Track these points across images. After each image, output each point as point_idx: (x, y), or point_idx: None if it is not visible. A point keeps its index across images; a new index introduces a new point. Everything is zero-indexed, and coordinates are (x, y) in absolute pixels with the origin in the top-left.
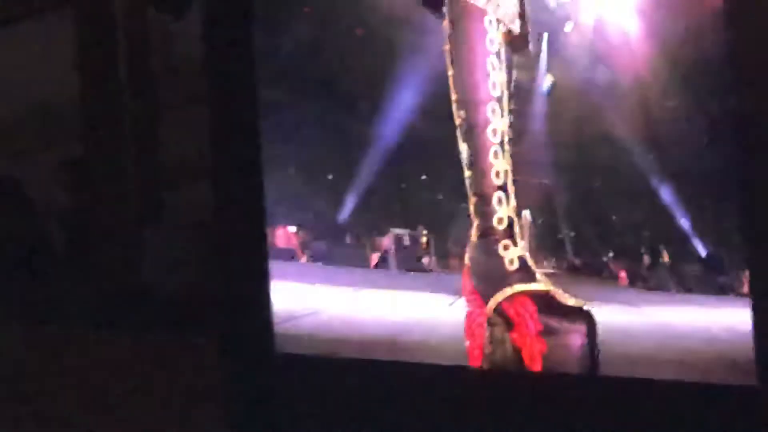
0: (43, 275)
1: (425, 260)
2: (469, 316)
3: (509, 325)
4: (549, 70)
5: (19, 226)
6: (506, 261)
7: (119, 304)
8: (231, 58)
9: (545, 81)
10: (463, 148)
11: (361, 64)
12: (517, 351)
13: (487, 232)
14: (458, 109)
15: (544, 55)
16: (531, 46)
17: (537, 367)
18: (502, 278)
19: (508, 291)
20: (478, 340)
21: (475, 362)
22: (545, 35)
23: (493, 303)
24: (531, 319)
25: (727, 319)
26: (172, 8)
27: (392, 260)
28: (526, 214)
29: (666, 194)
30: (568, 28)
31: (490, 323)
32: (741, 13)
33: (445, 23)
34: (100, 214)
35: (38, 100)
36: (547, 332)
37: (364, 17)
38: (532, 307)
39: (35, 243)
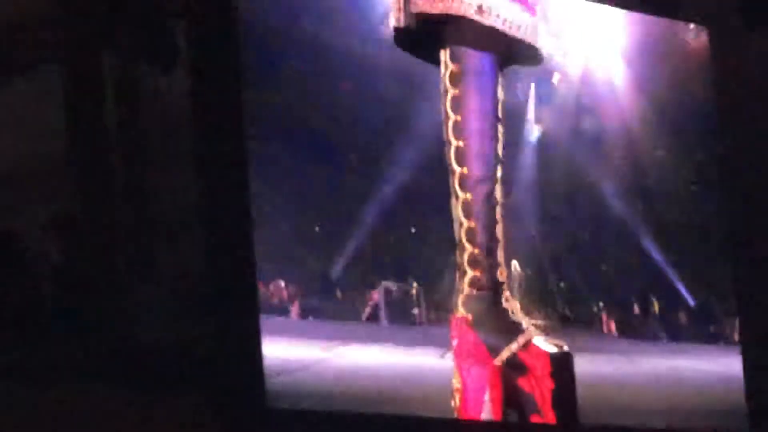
0: (32, 332)
1: (415, 312)
2: (469, 368)
3: (521, 371)
4: (537, 120)
5: (12, 282)
6: (510, 312)
7: (109, 360)
8: (219, 112)
9: (533, 131)
10: (462, 199)
11: (351, 117)
12: (530, 395)
13: (488, 285)
14: (458, 159)
15: (532, 106)
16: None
17: (548, 407)
18: (512, 329)
19: (521, 340)
20: (494, 392)
21: (496, 415)
22: (533, 86)
23: (507, 353)
24: (544, 362)
25: (718, 366)
26: (159, 63)
27: (383, 313)
28: (516, 264)
29: (655, 243)
30: (555, 79)
31: (503, 373)
32: (726, 61)
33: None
34: (89, 270)
35: (27, 155)
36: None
37: (353, 71)
38: (543, 352)
39: (26, 299)
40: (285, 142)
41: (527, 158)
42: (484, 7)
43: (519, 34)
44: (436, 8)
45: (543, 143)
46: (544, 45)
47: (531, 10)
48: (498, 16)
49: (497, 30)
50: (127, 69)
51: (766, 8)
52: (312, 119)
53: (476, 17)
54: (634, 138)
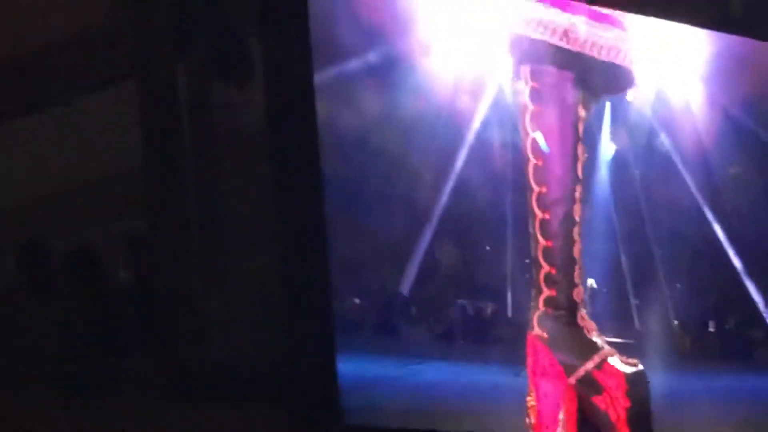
0: (109, 346)
1: (490, 331)
2: (544, 386)
3: (596, 390)
4: (611, 137)
5: (88, 296)
6: (585, 331)
7: (186, 377)
8: (294, 126)
9: (608, 149)
10: (539, 218)
11: (425, 133)
12: (605, 414)
13: (564, 304)
14: (537, 177)
15: (607, 124)
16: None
17: (623, 425)
18: (589, 348)
19: (597, 359)
20: (569, 411)
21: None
22: (608, 104)
23: (582, 372)
24: (619, 381)
25: None
26: (234, 78)
27: (458, 330)
28: (592, 282)
29: (731, 262)
30: (630, 96)
31: (578, 391)
32: None
33: (527, 83)
34: (164, 286)
35: (104, 169)
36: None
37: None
38: (618, 371)
39: (102, 314)
40: (360, 158)
41: (603, 176)
42: (571, 33)
43: (609, 58)
44: (521, 30)
45: (618, 161)
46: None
47: (620, 26)
48: (586, 41)
49: (582, 54)
50: (201, 83)
51: None
52: (386, 136)
53: (561, 44)
54: (709, 155)
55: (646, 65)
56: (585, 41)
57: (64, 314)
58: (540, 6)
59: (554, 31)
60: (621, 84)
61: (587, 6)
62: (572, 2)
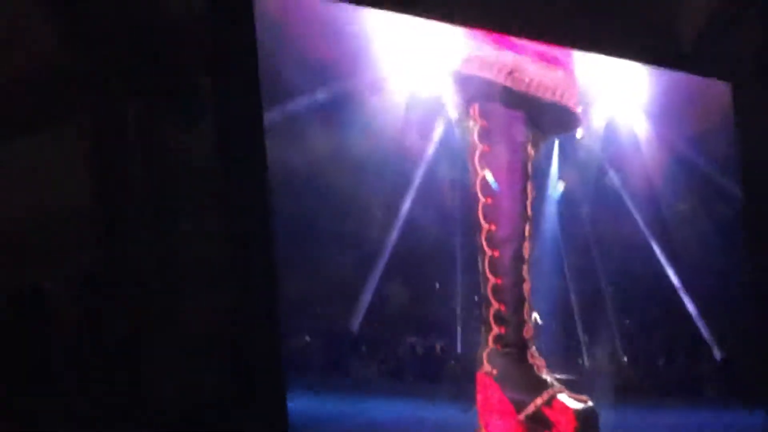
0: (52, 387)
1: (439, 368)
2: (494, 423)
3: (546, 426)
4: (560, 176)
5: (35, 337)
6: (535, 368)
7: (129, 418)
8: (244, 167)
9: (557, 187)
10: (488, 255)
11: (375, 174)
12: None
13: (514, 341)
14: (486, 215)
15: (555, 161)
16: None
17: None
18: (538, 385)
19: (546, 396)
20: None
21: None
22: (556, 141)
23: (532, 408)
24: (569, 417)
25: (743, 421)
26: (185, 117)
27: (407, 368)
28: (536, 317)
29: (679, 297)
30: (578, 134)
31: (527, 428)
32: (748, 116)
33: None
34: (111, 326)
35: (51, 210)
36: None
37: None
38: (568, 407)
39: (49, 354)
40: (310, 196)
41: (552, 214)
42: (516, 72)
43: (553, 98)
44: (467, 69)
45: (567, 199)
46: (580, 109)
47: (565, 68)
48: (531, 81)
49: (529, 94)
50: (152, 122)
51: None
52: (335, 174)
53: (506, 83)
54: (657, 192)
55: (594, 103)
56: (531, 81)
57: (11, 353)
58: (485, 45)
59: (499, 70)
60: (569, 124)
61: (533, 45)
62: (518, 42)
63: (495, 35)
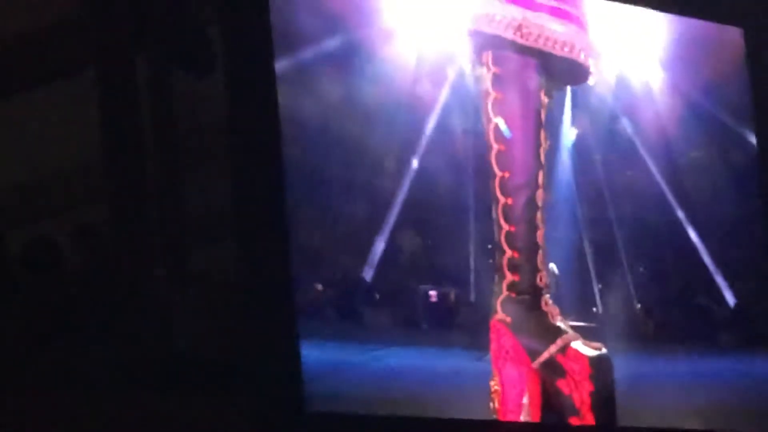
0: (68, 338)
1: (453, 316)
2: (507, 371)
3: (560, 374)
4: (573, 123)
5: (47, 288)
6: (549, 315)
7: (146, 367)
8: (255, 116)
9: (570, 134)
10: (502, 203)
11: (386, 121)
12: (569, 398)
13: (527, 289)
14: (500, 163)
15: (568, 108)
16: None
17: (587, 409)
18: (553, 332)
19: (560, 343)
20: (533, 395)
21: (535, 417)
22: (569, 88)
23: (546, 355)
24: (583, 365)
25: (756, 368)
26: (195, 68)
27: (421, 316)
28: (553, 267)
29: (693, 244)
30: (591, 81)
31: (541, 375)
32: (760, 60)
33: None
34: (123, 276)
35: (62, 161)
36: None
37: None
38: (582, 355)
39: (61, 306)
40: (321, 146)
41: (565, 162)
42: (524, 28)
43: (562, 53)
44: (476, 25)
45: (580, 147)
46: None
47: (577, 21)
48: (539, 36)
49: (538, 48)
50: (162, 74)
51: None
52: (347, 124)
53: (515, 38)
54: (670, 139)
55: (605, 54)
56: (539, 36)
57: (23, 305)
58: (494, 1)
59: (507, 26)
60: (580, 76)
61: (544, 1)
62: None
63: None
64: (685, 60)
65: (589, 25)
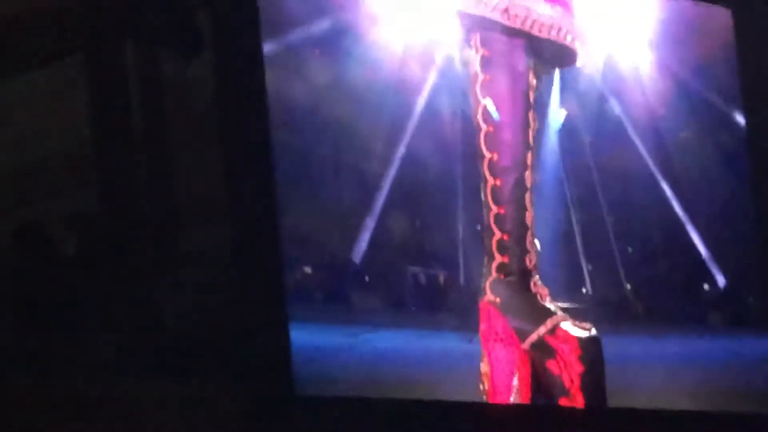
0: (57, 322)
1: (442, 298)
2: (497, 352)
3: (549, 354)
4: (561, 104)
5: (38, 273)
6: (538, 297)
7: (136, 348)
8: (243, 100)
9: (558, 115)
10: (491, 184)
11: (375, 104)
12: (558, 379)
13: (516, 270)
14: (488, 144)
15: (556, 90)
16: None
17: (576, 390)
18: (542, 313)
19: (549, 324)
20: (522, 376)
21: (525, 398)
22: (557, 70)
23: (536, 337)
24: (572, 346)
25: (745, 348)
26: (183, 51)
27: (410, 298)
28: (537, 243)
29: (682, 225)
30: (579, 63)
31: (531, 356)
32: (751, 43)
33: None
34: (115, 260)
35: (52, 146)
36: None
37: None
38: (571, 336)
39: (52, 290)
40: (310, 128)
41: (553, 143)
42: (511, 10)
43: (549, 36)
44: (462, 6)
45: (569, 128)
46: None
47: (563, 4)
48: (526, 18)
49: (525, 31)
50: (150, 57)
51: None
52: (335, 106)
53: (502, 20)
54: (659, 120)
55: (593, 36)
56: (526, 18)
57: (14, 291)
58: None
59: (494, 8)
60: (567, 58)
61: None
62: None
63: None
64: (674, 41)
65: (576, 8)
